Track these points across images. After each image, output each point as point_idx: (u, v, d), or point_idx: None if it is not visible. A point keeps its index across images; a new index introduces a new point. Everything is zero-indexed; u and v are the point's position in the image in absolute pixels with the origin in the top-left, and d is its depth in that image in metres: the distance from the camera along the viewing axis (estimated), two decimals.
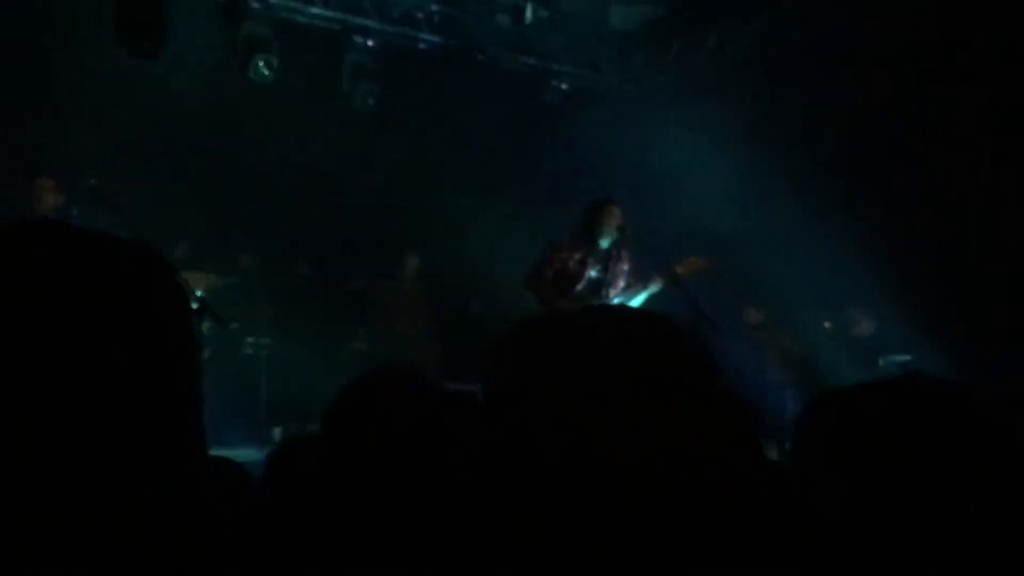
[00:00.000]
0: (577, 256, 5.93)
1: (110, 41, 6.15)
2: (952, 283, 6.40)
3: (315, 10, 7.01)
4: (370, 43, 7.08)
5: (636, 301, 6.01)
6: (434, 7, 7.20)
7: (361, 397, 1.72)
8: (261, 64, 6.63)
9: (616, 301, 5.96)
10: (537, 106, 7.62)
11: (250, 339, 6.74)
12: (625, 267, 6.05)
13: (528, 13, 6.75)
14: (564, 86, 7.80)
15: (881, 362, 6.77)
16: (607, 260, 5.98)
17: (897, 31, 6.21)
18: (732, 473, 0.92)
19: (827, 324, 7.15)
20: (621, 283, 6.07)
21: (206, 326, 5.76)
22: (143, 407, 0.68)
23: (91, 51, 6.34)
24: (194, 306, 5.98)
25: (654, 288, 5.89)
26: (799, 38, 6.74)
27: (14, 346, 0.65)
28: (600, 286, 6.01)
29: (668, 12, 7.46)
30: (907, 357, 6.67)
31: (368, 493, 1.55)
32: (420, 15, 7.20)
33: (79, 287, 0.68)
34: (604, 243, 5.91)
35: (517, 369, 1.00)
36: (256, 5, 6.75)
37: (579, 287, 5.97)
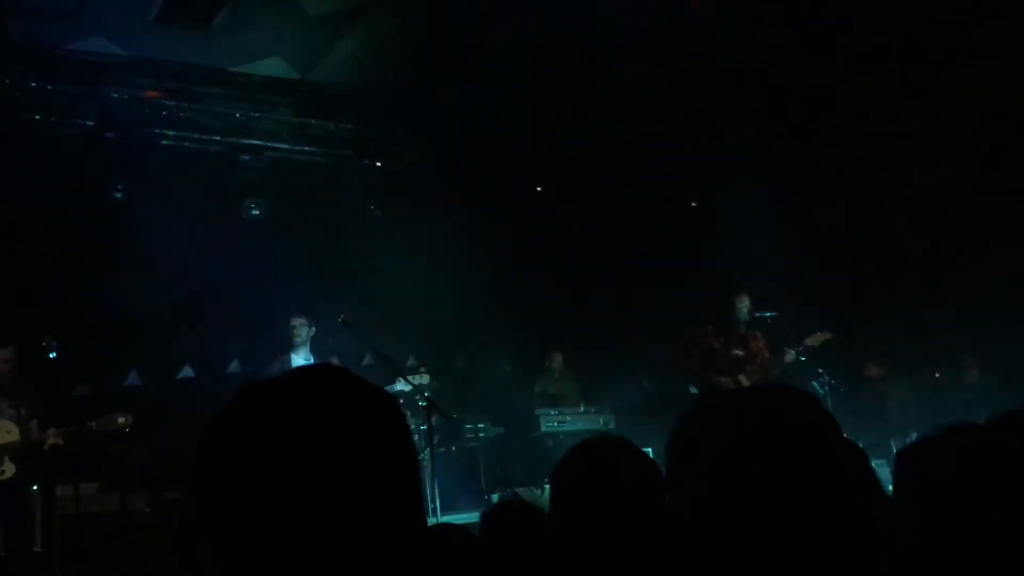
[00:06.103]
0: (722, 339, 7.32)
1: None
2: None
3: None
4: None
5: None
6: None
7: (583, 458, 1.90)
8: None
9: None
10: None
11: (468, 426, 8.43)
12: (761, 344, 7.35)
13: None
14: None
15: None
16: (746, 340, 7.34)
17: None
18: (854, 504, 1.09)
19: (937, 374, 7.96)
20: (760, 358, 7.32)
21: (435, 419, 7.70)
22: (387, 490, 0.93)
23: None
24: (423, 404, 7.94)
25: (791, 359, 7.24)
26: None
27: (317, 453, 0.90)
28: (743, 362, 7.30)
29: None
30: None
31: (595, 545, 1.75)
32: None
33: (347, 412, 0.95)
34: (740, 327, 7.31)
35: (698, 440, 1.18)
36: None
37: (725, 363, 7.30)
